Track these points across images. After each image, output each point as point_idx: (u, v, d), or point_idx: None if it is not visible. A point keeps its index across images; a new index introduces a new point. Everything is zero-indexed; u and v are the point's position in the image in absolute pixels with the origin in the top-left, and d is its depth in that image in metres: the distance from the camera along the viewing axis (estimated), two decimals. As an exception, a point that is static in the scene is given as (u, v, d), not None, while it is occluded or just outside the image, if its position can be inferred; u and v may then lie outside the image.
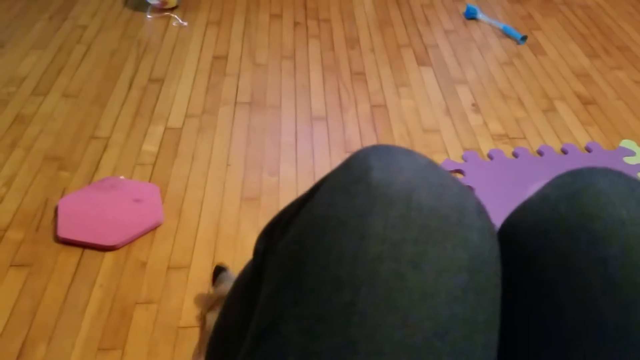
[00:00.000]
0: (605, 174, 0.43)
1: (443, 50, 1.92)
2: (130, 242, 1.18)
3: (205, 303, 0.97)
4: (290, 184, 1.36)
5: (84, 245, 1.17)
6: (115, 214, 1.22)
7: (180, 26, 1.96)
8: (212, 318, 0.95)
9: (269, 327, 0.38)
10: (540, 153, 1.50)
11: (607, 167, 0.44)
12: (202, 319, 0.96)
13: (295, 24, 2.02)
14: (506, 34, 2.04)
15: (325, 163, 1.43)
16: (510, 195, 1.35)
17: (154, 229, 1.22)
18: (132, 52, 1.81)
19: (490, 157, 1.48)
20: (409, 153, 0.41)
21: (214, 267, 1.08)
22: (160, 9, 2.02)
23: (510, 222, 0.46)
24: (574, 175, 0.44)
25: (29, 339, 1.00)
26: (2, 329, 1.01)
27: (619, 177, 0.42)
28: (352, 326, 0.34)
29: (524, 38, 2.00)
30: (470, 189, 0.46)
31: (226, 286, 0.98)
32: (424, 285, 0.35)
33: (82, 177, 1.33)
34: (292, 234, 0.41)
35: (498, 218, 1.28)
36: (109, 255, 1.15)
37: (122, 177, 1.33)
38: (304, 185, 1.35)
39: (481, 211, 0.40)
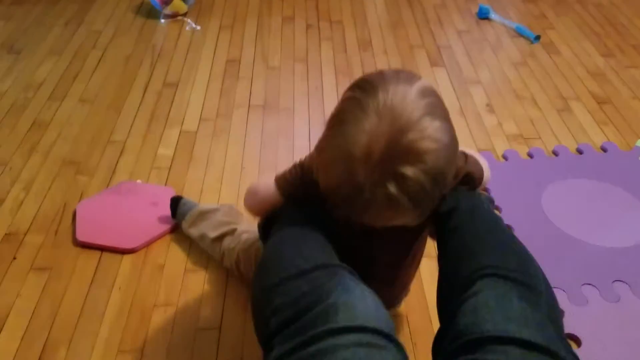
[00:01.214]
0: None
1: (456, 51, 1.92)
2: (149, 245, 1.19)
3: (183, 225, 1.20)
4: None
5: (102, 249, 1.18)
6: (132, 217, 1.24)
7: (194, 30, 1.98)
8: (198, 229, 1.16)
9: None
10: (555, 153, 1.49)
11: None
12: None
13: (308, 26, 2.03)
14: (519, 33, 2.04)
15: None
16: (525, 195, 1.35)
17: (171, 231, 1.23)
18: (147, 57, 1.83)
19: (505, 157, 1.47)
20: (363, 298, 0.60)
21: (170, 201, 1.22)
22: (173, 14, 2.03)
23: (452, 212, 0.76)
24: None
25: (49, 343, 1.01)
26: (24, 333, 1.02)
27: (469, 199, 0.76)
28: None
29: (538, 37, 1.99)
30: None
31: (196, 207, 1.19)
32: None
33: (99, 181, 1.35)
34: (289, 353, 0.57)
35: (514, 219, 1.28)
36: (127, 259, 1.16)
37: (139, 181, 1.34)
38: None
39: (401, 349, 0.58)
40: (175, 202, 1.22)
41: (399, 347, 0.57)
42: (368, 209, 0.61)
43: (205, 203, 1.24)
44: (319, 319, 0.56)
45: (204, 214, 1.17)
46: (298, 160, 0.81)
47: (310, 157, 0.79)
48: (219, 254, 1.12)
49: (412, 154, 0.58)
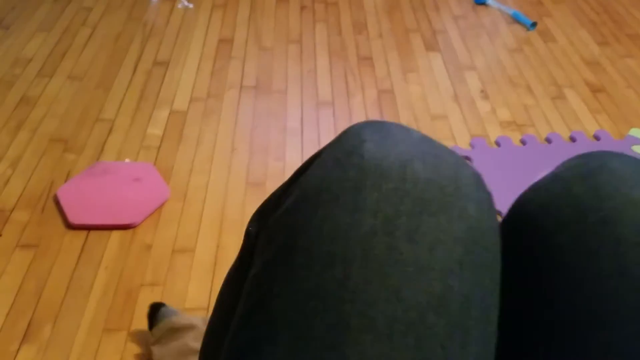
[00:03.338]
0: (619, 156, 0.42)
1: (452, 36, 1.91)
2: (145, 218, 1.19)
3: (150, 339, 0.95)
4: (296, 169, 1.35)
5: (98, 229, 1.16)
6: (120, 194, 1.22)
7: (186, 8, 1.95)
8: (160, 351, 0.92)
9: (257, 304, 0.36)
10: (548, 141, 1.49)
11: (620, 152, 0.43)
12: (149, 353, 0.93)
13: (302, 7, 2.00)
14: (516, 20, 2.02)
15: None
16: (517, 182, 1.34)
17: (163, 203, 1.22)
18: (137, 35, 1.80)
19: (497, 144, 1.46)
20: (402, 127, 0.40)
21: (149, 308, 0.98)
22: (166, -8, 2.00)
23: (522, 202, 0.45)
24: (588, 157, 0.43)
25: (34, 320, 1.00)
26: (9, 309, 1.01)
27: (633, 160, 0.41)
28: (344, 302, 0.32)
29: (534, 24, 1.97)
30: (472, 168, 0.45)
31: (170, 318, 0.94)
32: (418, 258, 0.33)
33: (87, 160, 1.33)
34: (283, 208, 0.39)
35: (506, 206, 1.27)
36: (114, 238, 1.15)
37: (127, 160, 1.33)
38: (310, 170, 1.34)
39: (479, 182, 0.39)
40: (155, 308, 0.97)
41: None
42: None
43: (183, 316, 0.97)
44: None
45: (174, 331, 0.93)
46: None
47: None
48: None
49: None
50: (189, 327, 0.93)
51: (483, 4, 2.10)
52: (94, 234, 1.16)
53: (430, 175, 0.36)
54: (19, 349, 0.95)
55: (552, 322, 0.38)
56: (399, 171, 0.35)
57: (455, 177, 0.37)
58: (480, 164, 1.39)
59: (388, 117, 1.53)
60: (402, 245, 0.33)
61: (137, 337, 0.98)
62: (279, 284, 0.35)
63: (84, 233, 1.16)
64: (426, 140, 0.39)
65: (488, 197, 0.40)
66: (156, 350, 0.93)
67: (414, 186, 0.35)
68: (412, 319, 0.32)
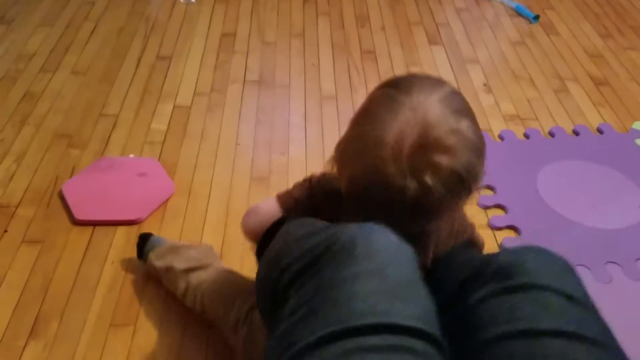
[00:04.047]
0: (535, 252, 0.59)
1: (455, 29, 1.90)
2: (151, 214, 1.19)
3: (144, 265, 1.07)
4: (300, 163, 1.36)
5: (104, 224, 1.17)
6: (125, 190, 1.23)
7: (188, 2, 1.94)
8: (162, 263, 1.02)
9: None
10: (551, 134, 1.49)
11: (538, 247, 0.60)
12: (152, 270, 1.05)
13: (305, 1, 2.00)
14: (518, 13, 2.02)
15: (335, 143, 1.42)
16: (521, 176, 1.34)
17: (168, 198, 1.23)
18: (140, 29, 1.80)
19: (501, 137, 1.47)
20: (385, 234, 0.55)
21: (138, 239, 1.08)
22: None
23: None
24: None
25: (41, 315, 1.00)
26: (15, 305, 1.02)
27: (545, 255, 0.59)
28: None
29: (537, 17, 1.97)
30: None
31: (167, 242, 1.07)
32: (396, 320, 0.50)
33: (91, 155, 1.33)
34: (304, 293, 0.54)
35: (508, 200, 1.27)
36: (120, 233, 1.15)
37: (131, 155, 1.33)
38: (313, 165, 1.34)
39: (422, 280, 0.55)
40: (145, 238, 1.08)
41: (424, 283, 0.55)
42: (394, 206, 0.60)
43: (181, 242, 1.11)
44: (337, 255, 0.54)
45: (176, 248, 1.05)
46: (302, 179, 0.79)
47: (320, 174, 0.78)
48: (182, 288, 0.98)
49: (442, 147, 0.57)
50: (189, 246, 1.06)
51: (486, -4, 2.09)
52: (99, 230, 1.16)
53: (398, 277, 0.53)
54: (25, 345, 0.96)
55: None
56: (380, 272, 0.52)
57: (412, 277, 0.55)
58: (483, 158, 1.39)
59: (391, 111, 1.52)
60: (381, 320, 0.50)
61: (144, 333, 0.99)
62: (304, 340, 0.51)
63: (89, 228, 1.16)
64: (400, 247, 0.55)
65: (429, 290, 0.55)
66: (160, 262, 1.03)
67: (388, 283, 0.52)
68: None
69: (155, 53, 1.70)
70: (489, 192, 1.30)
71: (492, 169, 1.35)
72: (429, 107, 0.59)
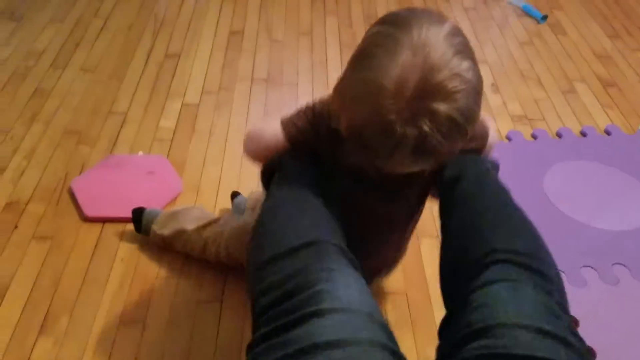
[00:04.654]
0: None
1: (462, 28, 1.89)
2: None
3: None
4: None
5: (112, 221, 1.18)
6: (135, 187, 1.23)
7: (197, 0, 1.95)
8: (170, 229, 1.08)
9: None
10: (559, 135, 1.49)
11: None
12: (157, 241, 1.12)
13: (313, -1, 2.00)
14: (526, 12, 2.01)
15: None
16: (528, 177, 1.35)
17: (176, 196, 1.24)
18: (149, 26, 1.80)
19: (509, 138, 1.47)
20: (355, 283, 0.60)
21: (132, 214, 1.13)
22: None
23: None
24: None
25: (51, 312, 1.01)
26: (25, 302, 1.03)
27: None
28: None
29: (545, 17, 1.97)
30: None
31: (162, 211, 1.13)
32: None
33: (100, 152, 1.34)
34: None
35: (516, 200, 1.27)
36: (129, 230, 1.16)
37: (140, 153, 1.34)
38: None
39: (385, 328, 0.58)
40: (139, 213, 1.13)
41: (383, 326, 0.57)
42: (394, 151, 0.59)
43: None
44: (304, 302, 0.56)
45: (175, 214, 1.11)
46: (305, 105, 0.78)
47: (322, 101, 0.77)
48: (200, 245, 1.06)
49: (443, 92, 0.56)
50: (188, 208, 1.13)
51: (494, -4, 2.09)
52: (109, 227, 1.17)
53: (362, 335, 0.55)
54: (35, 341, 0.97)
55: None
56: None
57: (373, 339, 0.55)
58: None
59: (399, 111, 1.53)
60: None
61: (154, 330, 1.00)
62: None
63: (99, 225, 1.17)
64: (364, 296, 0.59)
65: (387, 342, 0.57)
66: (166, 230, 1.09)
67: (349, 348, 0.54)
68: None
69: (164, 50, 1.70)
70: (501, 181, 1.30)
71: (500, 170, 1.35)
72: (431, 47, 0.56)
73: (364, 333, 0.54)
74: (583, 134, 1.50)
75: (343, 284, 0.58)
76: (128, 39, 1.74)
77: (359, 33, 1.83)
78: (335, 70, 1.67)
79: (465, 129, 0.59)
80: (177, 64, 1.65)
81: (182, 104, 1.51)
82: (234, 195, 1.22)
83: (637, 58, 1.82)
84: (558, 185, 1.33)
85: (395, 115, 0.57)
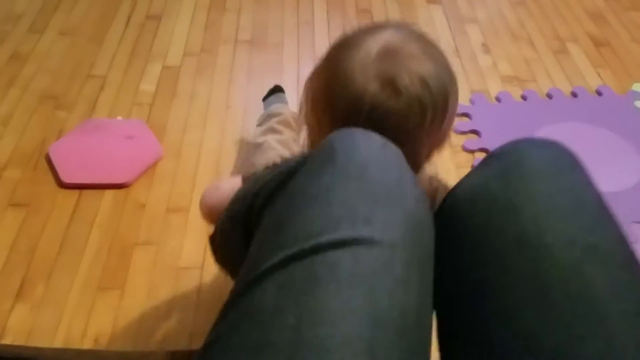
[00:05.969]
0: (537, 150, 0.53)
1: (453, -12, 1.85)
2: (139, 177, 1.17)
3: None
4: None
5: (91, 188, 1.15)
6: (113, 153, 1.21)
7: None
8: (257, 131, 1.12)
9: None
10: (549, 96, 1.46)
11: (543, 141, 0.55)
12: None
13: (299, -42, 1.94)
14: (519, -30, 1.95)
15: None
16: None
17: (156, 161, 1.21)
18: (130, -13, 1.74)
19: (498, 99, 1.43)
20: (366, 135, 0.50)
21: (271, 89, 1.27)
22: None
23: (451, 193, 0.57)
24: (506, 155, 0.53)
25: (27, 278, 1.00)
26: (1, 268, 1.01)
27: (548, 154, 0.54)
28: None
29: (538, -25, 1.91)
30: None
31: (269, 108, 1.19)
32: (374, 234, 0.44)
33: (78, 117, 1.31)
34: (277, 208, 0.50)
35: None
36: (107, 196, 1.14)
37: (119, 117, 1.30)
38: (306, 127, 1.32)
39: (416, 183, 0.50)
40: (272, 91, 1.27)
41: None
42: (370, 120, 0.57)
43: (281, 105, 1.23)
44: (314, 162, 0.50)
45: (269, 116, 1.15)
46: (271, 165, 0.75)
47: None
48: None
49: (414, 64, 0.58)
50: (278, 113, 1.13)
51: (486, -47, 2.03)
52: (87, 193, 1.14)
53: (382, 177, 0.47)
54: (12, 308, 0.95)
55: (467, 281, 0.50)
56: (360, 174, 0.47)
57: (400, 180, 0.48)
58: (479, 121, 1.36)
59: (386, 73, 1.49)
60: (360, 227, 0.44)
61: (132, 296, 0.98)
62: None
63: (76, 192, 1.15)
64: (383, 148, 0.50)
65: (422, 194, 0.50)
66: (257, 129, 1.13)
67: (370, 185, 0.46)
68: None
69: (145, 12, 1.65)
70: (484, 154, 1.28)
71: (488, 132, 1.33)
72: (396, 44, 0.59)
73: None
74: (574, 95, 1.47)
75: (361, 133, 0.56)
76: (108, 1, 1.69)
77: (346, -7, 1.78)
78: (321, 30, 1.62)
79: (438, 101, 0.59)
80: (158, 26, 1.60)
81: (162, 66, 1.47)
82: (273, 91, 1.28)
83: (631, 17, 1.77)
84: (547, 147, 1.30)
85: (367, 84, 0.57)
